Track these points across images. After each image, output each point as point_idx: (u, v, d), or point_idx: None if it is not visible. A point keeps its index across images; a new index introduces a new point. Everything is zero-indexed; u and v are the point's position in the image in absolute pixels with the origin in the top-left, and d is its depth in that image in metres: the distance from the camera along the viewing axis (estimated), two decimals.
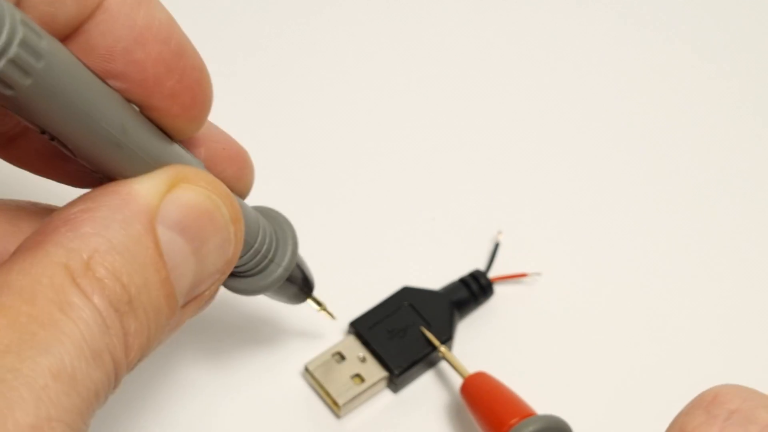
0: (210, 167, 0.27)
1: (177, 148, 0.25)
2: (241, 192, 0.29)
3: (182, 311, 0.24)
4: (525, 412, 0.33)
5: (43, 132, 0.21)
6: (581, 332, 0.38)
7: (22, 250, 0.21)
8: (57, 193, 0.28)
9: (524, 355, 0.38)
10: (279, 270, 0.30)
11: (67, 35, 0.23)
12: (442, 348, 0.36)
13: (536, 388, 0.36)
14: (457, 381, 0.36)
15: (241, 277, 0.30)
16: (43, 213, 0.26)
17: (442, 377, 0.37)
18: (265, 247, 0.29)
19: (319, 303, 0.35)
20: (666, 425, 0.27)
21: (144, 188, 0.23)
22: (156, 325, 0.23)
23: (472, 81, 0.46)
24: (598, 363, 0.38)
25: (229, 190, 0.25)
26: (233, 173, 0.28)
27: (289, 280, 0.31)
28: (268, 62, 0.45)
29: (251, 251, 0.29)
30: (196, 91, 0.25)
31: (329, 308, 0.36)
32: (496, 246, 0.40)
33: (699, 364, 0.38)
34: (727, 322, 0.39)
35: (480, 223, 0.41)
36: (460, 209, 0.41)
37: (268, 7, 0.47)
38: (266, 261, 0.30)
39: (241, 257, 0.28)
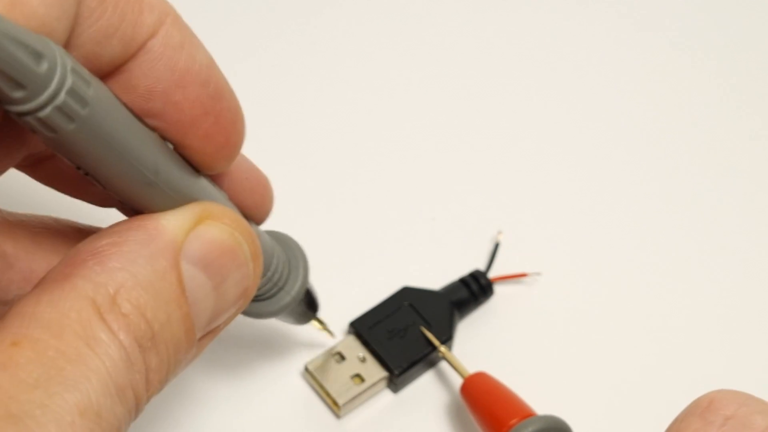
0: (232, 194, 0.28)
1: (204, 182, 0.25)
2: (260, 219, 0.29)
3: (198, 344, 0.24)
4: (525, 413, 0.33)
5: (78, 168, 0.22)
6: (581, 332, 0.38)
7: (50, 281, 0.22)
8: (80, 208, 0.28)
9: (524, 355, 0.38)
10: (287, 298, 0.31)
11: (109, 73, 0.23)
12: (442, 348, 0.36)
13: (536, 388, 0.36)
14: (457, 381, 0.36)
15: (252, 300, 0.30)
16: (65, 231, 0.27)
17: (441, 377, 0.37)
18: (277, 275, 0.30)
19: (321, 323, 0.36)
20: (666, 425, 0.27)
21: (170, 224, 0.23)
22: (175, 360, 0.23)
23: (472, 81, 0.46)
24: (597, 363, 0.38)
25: (251, 228, 0.25)
26: (254, 201, 0.29)
27: (296, 307, 0.32)
28: (268, 62, 0.45)
29: (264, 278, 0.29)
30: (231, 132, 0.25)
31: (329, 327, 0.36)
32: (496, 246, 0.40)
33: (698, 364, 0.38)
34: (726, 322, 0.39)
35: (480, 224, 0.41)
36: (460, 209, 0.41)
37: (267, 7, 0.47)
38: (276, 288, 0.30)
39: None
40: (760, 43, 0.48)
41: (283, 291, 0.31)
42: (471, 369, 0.36)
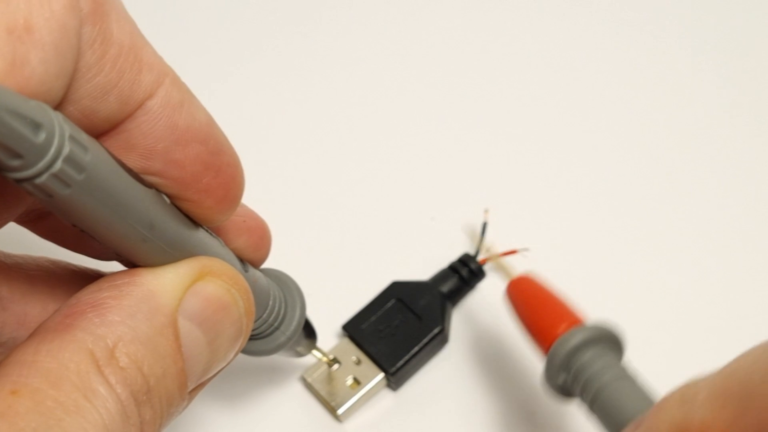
0: (229, 237, 0.28)
1: (202, 234, 0.25)
2: (257, 262, 0.30)
3: (189, 396, 0.25)
4: (570, 321, 0.31)
5: (74, 225, 0.22)
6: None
7: (49, 330, 0.22)
8: (77, 255, 0.29)
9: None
10: (282, 338, 0.31)
11: (106, 131, 0.23)
12: (490, 256, 0.36)
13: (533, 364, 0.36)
14: (459, 376, 0.36)
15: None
16: (61, 273, 0.27)
17: (441, 371, 0.37)
18: (272, 317, 0.30)
19: (323, 353, 0.36)
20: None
21: (169, 281, 0.24)
22: (168, 413, 0.23)
23: (457, 74, 0.45)
24: None
25: (247, 285, 0.26)
26: (252, 243, 0.29)
27: (293, 345, 0.32)
28: (263, 60, 0.45)
29: (259, 320, 0.30)
30: (230, 185, 0.25)
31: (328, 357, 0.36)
32: (484, 226, 0.39)
33: (686, 332, 0.37)
34: (713, 291, 0.39)
35: (468, 210, 0.40)
36: (445, 199, 0.41)
37: (263, 8, 0.47)
38: (272, 329, 0.31)
39: None
40: (760, 41, 0.46)
41: (279, 331, 0.31)
42: (470, 352, 0.36)
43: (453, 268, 0.38)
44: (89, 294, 0.23)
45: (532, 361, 0.37)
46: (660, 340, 0.37)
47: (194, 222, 0.25)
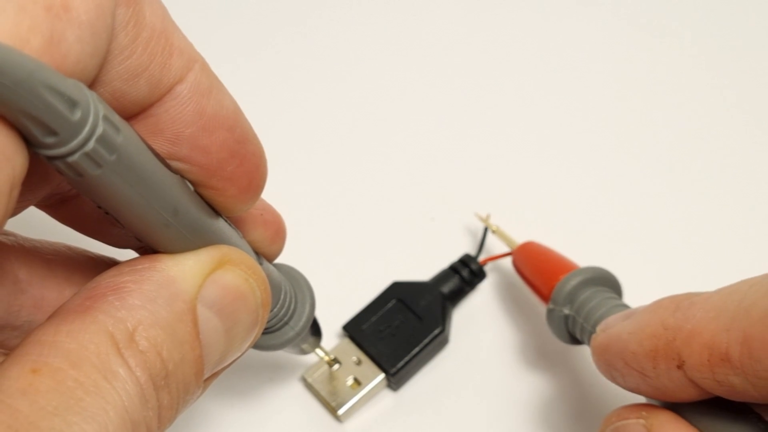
0: (246, 229, 0.28)
1: (221, 224, 0.26)
2: (271, 256, 0.30)
3: (204, 384, 0.25)
4: (568, 269, 0.34)
5: (99, 207, 0.22)
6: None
7: (69, 312, 0.22)
8: (93, 242, 0.29)
9: (522, 332, 0.38)
10: (291, 333, 0.31)
11: (135, 114, 0.23)
12: (493, 226, 0.38)
13: (537, 366, 0.36)
14: (456, 377, 0.36)
15: None
16: (78, 259, 0.27)
17: (442, 370, 0.37)
18: (283, 311, 0.30)
19: (325, 352, 0.35)
20: None
21: (190, 268, 0.24)
22: (184, 399, 0.23)
23: (459, 74, 0.45)
24: None
25: (264, 276, 0.26)
26: (267, 237, 0.29)
27: (300, 341, 0.32)
28: (267, 59, 0.45)
29: (270, 314, 0.30)
30: (254, 175, 0.25)
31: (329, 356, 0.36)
32: (485, 229, 0.39)
33: None
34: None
35: (467, 213, 0.40)
36: (448, 203, 0.41)
37: (265, 6, 0.47)
38: (281, 323, 0.31)
39: None
40: (760, 40, 0.47)
41: (288, 326, 0.31)
42: (470, 353, 0.36)
43: (454, 269, 0.38)
44: (109, 278, 0.23)
45: (532, 362, 0.37)
46: None
47: (215, 211, 0.25)
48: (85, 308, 0.22)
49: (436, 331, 0.36)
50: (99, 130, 0.19)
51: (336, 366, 0.36)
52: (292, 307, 0.31)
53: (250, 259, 0.26)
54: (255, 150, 0.25)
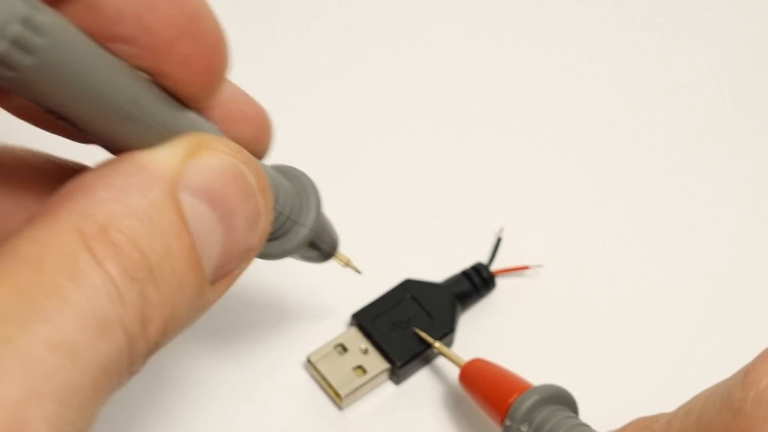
0: (226, 129, 0.25)
1: (192, 116, 0.23)
2: (259, 154, 0.27)
3: (212, 289, 0.22)
4: (523, 387, 0.33)
5: (50, 111, 0.20)
6: (583, 324, 0.39)
7: (34, 219, 0.20)
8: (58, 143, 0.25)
9: (526, 347, 0.38)
10: (304, 231, 0.28)
11: None
12: (437, 344, 0.36)
13: (539, 379, 0.36)
14: (456, 378, 0.36)
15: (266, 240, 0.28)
16: (42, 165, 0.25)
17: (443, 369, 0.37)
18: (288, 208, 0.28)
19: (344, 258, 0.34)
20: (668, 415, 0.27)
21: (163, 155, 0.21)
22: (181, 298, 0.21)
23: (471, 76, 0.46)
24: (600, 355, 0.38)
25: (254, 158, 0.24)
26: (251, 134, 0.26)
27: (315, 240, 0.29)
28: (275, 56, 0.45)
29: (273, 213, 0.26)
30: (211, 57, 0.23)
31: (354, 263, 0.34)
32: (498, 240, 0.40)
33: (702, 354, 0.38)
34: (728, 311, 0.39)
35: (482, 218, 0.41)
36: (462, 204, 0.41)
37: (265, 6, 0.47)
38: (289, 222, 0.28)
39: None
40: (760, 39, 0.48)
41: (298, 224, 0.28)
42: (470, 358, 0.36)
43: (466, 275, 0.38)
44: (76, 179, 0.21)
45: (533, 376, 0.37)
46: (675, 352, 0.38)
47: (182, 103, 0.23)
48: (47, 210, 0.20)
49: (447, 331, 0.37)
50: (20, 11, 0.17)
51: (341, 351, 0.36)
52: (296, 204, 0.28)
53: (232, 142, 0.23)
54: (209, 29, 0.23)
